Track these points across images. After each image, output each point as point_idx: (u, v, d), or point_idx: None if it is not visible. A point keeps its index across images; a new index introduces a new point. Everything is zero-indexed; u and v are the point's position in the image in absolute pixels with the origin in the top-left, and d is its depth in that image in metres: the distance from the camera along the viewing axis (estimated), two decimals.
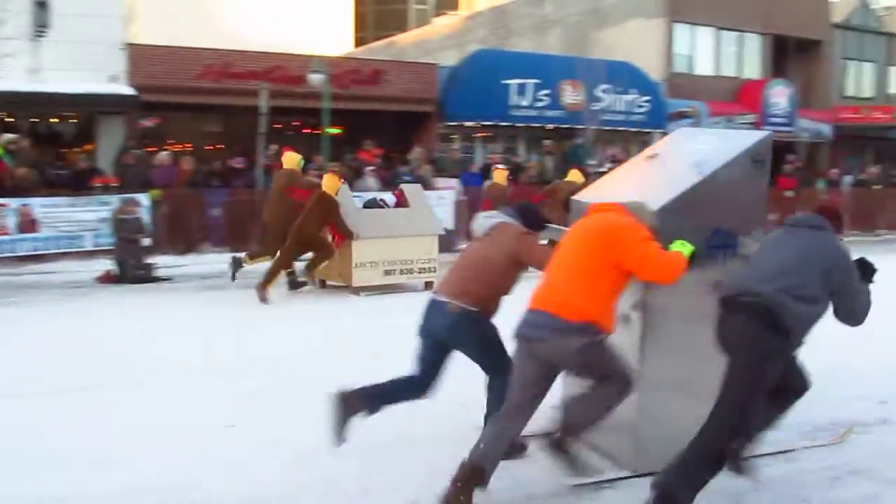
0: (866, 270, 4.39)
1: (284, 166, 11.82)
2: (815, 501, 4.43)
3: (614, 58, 22.84)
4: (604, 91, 23.18)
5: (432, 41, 37.94)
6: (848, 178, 24.63)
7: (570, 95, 23.52)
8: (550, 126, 23.58)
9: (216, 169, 17.50)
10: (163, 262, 13.35)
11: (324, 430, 4.70)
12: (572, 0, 30.02)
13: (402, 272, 11.42)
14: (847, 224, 20.51)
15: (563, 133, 23.33)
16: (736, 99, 28.11)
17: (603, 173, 10.97)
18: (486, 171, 19.24)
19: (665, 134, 25.72)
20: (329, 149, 18.81)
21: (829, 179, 24.11)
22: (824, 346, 4.84)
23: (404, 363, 4.93)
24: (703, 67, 28.24)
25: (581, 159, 20.62)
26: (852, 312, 4.27)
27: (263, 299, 10.44)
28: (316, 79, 18.63)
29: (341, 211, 10.86)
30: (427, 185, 17.58)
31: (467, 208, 17.64)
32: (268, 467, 4.78)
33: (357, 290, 11.09)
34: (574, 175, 13.61)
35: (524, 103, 23.18)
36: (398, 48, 36.66)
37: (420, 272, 11.54)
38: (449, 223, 16.93)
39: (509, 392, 4.38)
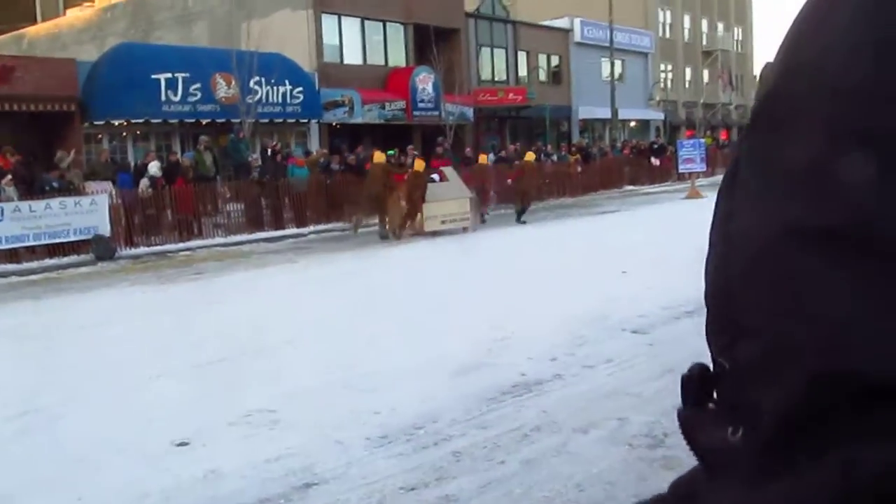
0: None
1: (376, 160, 18.35)
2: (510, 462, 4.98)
3: (265, 49, 23.08)
4: (257, 83, 23.38)
5: (67, 34, 35.62)
6: (490, 156, 27.09)
7: (224, 89, 23.43)
8: (206, 121, 23.34)
9: None
10: None
11: None
12: None
13: (450, 222, 18.20)
14: (494, 199, 22.58)
15: (220, 127, 23.17)
16: (385, 86, 29.66)
17: None
18: (141, 172, 18.73)
19: (321, 123, 26.77)
20: None
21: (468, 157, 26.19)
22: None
23: None
24: (352, 57, 29.43)
25: (241, 153, 20.73)
26: None
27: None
28: None
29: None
30: (78, 190, 16.78)
31: (124, 212, 17.08)
32: None
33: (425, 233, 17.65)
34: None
35: (176, 98, 22.68)
36: (28, 42, 33.98)
37: (460, 221, 18.34)
38: (104, 229, 16.28)
39: None
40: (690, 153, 25.73)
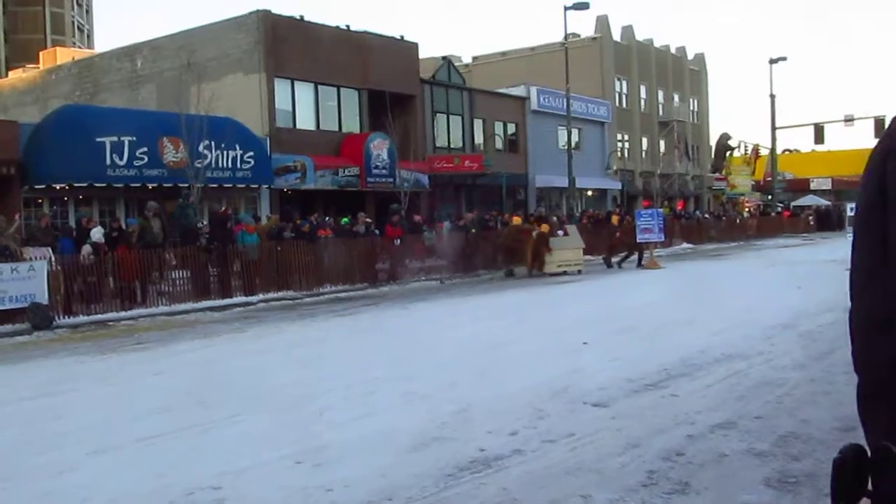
0: None
1: (513, 222, 26.78)
2: None
3: (216, 113, 23.14)
4: (206, 147, 23.37)
5: (8, 96, 35.47)
6: (447, 224, 27.28)
7: (172, 153, 23.36)
8: (152, 185, 23.19)
9: None
10: None
11: None
12: (165, 55, 29.94)
13: (566, 265, 24.53)
14: (450, 268, 22.95)
15: (167, 192, 23.01)
16: (339, 152, 29.84)
17: None
18: (82, 236, 18.51)
19: (272, 189, 26.76)
20: None
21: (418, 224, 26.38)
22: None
23: None
24: (306, 122, 29.65)
25: (189, 219, 20.57)
26: None
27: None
28: None
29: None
30: (15, 256, 16.48)
31: (64, 279, 16.78)
32: None
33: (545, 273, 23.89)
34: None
35: (121, 162, 22.55)
36: None
37: (574, 265, 24.70)
38: (42, 297, 15.95)
39: None
40: (648, 223, 26.16)
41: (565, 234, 25.98)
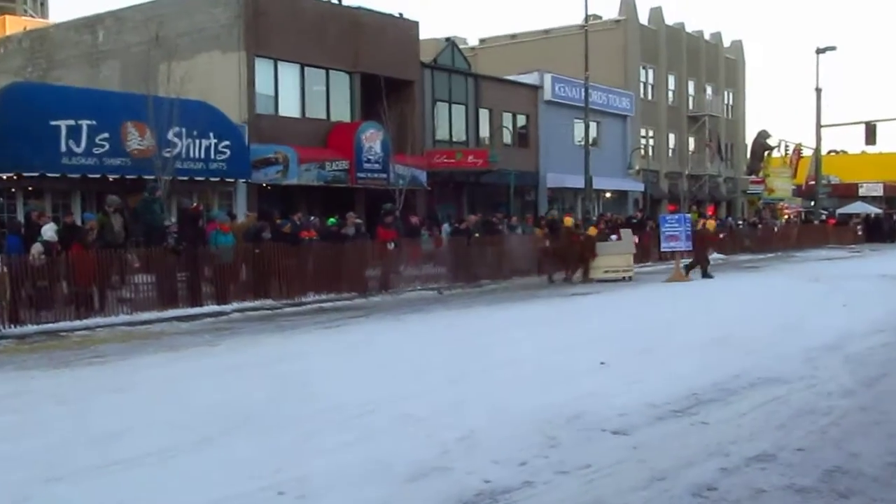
0: None
1: (566, 223, 27.95)
2: None
3: (187, 96, 23.16)
4: (176, 135, 23.38)
5: None
6: (446, 227, 27.32)
7: (136, 140, 23.39)
8: (113, 177, 23.20)
9: None
10: None
11: None
12: (130, 27, 29.99)
13: (612, 272, 26.54)
14: (448, 278, 23.08)
15: (130, 185, 23.01)
16: (326, 143, 29.94)
17: None
18: (32, 230, 18.47)
19: (250, 183, 26.79)
20: None
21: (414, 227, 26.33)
22: None
23: None
24: (289, 108, 29.72)
25: (155, 215, 20.55)
26: None
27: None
28: None
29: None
30: None
31: (10, 283, 16.75)
32: None
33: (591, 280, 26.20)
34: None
35: (79, 150, 22.56)
36: None
37: (623, 272, 26.57)
38: None
39: None
40: (674, 230, 26.22)
41: (619, 238, 28.15)
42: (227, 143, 25.83)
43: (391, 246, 23.57)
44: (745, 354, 11.43)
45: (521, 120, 40.50)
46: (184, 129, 23.68)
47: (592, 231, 27.18)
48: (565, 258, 26.70)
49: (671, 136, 52.74)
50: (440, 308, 19.50)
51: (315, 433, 7.76)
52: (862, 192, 67.09)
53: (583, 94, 36.10)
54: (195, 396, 9.86)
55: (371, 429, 7.85)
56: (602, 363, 10.96)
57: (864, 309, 16.30)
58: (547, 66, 42.37)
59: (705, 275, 26.37)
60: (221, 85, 27.18)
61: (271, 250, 21.00)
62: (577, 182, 37.53)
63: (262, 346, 14.22)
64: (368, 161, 29.89)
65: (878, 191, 67.59)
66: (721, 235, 35.47)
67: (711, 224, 30.61)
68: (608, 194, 45.45)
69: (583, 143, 37.26)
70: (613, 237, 28.33)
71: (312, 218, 25.65)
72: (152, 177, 22.03)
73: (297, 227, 22.79)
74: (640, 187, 46.59)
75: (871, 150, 62.49)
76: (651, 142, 50.81)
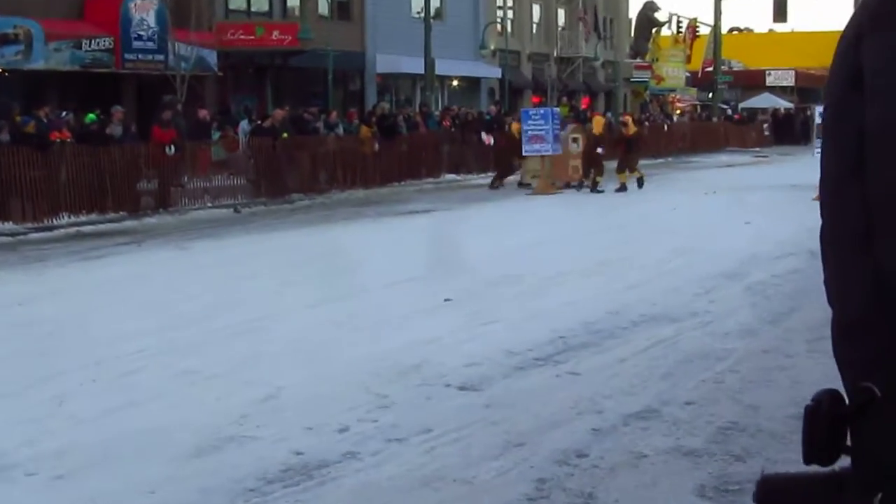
0: None
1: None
2: None
3: None
4: None
5: None
6: (244, 125, 26.94)
7: None
8: None
9: None
10: None
11: None
12: None
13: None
14: (247, 191, 22.80)
15: None
16: (82, 15, 29.06)
17: None
18: None
19: None
20: None
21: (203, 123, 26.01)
22: None
23: None
24: None
25: None
26: None
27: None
28: None
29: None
30: None
31: None
32: None
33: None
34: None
35: None
36: None
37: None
38: None
39: None
40: (539, 128, 26.57)
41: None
42: None
43: (171, 150, 23.11)
44: (627, 286, 11.74)
45: None
46: None
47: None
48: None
49: (535, 8, 53.17)
50: (238, 231, 19.40)
51: (71, 396, 7.63)
52: (770, 80, 68.74)
53: None
54: None
55: (144, 390, 7.77)
56: (447, 300, 11.06)
57: (770, 228, 16.91)
58: None
59: (594, 189, 26.69)
60: None
61: (10, 157, 20.38)
62: (416, 66, 37.57)
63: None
64: (139, 38, 29.26)
65: (790, 79, 69.17)
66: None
67: (600, 122, 30.48)
68: (455, 82, 45.69)
69: (422, 15, 37.18)
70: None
71: (66, 114, 24.94)
72: None
73: (44, 125, 22.14)
74: (497, 73, 46.88)
75: (781, 28, 64.47)
76: (510, 14, 51.04)
